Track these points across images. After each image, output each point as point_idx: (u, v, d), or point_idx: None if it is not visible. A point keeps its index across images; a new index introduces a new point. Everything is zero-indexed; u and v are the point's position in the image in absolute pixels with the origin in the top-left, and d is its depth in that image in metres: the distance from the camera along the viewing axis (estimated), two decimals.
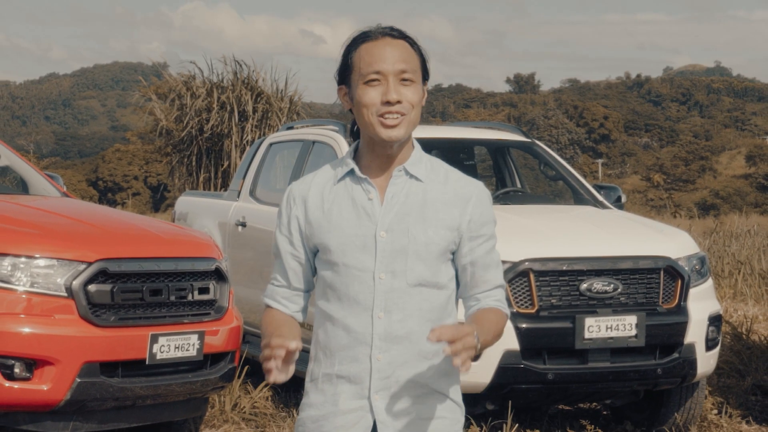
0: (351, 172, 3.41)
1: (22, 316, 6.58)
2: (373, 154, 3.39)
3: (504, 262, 7.49)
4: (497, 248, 3.49)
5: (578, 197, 9.58)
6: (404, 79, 3.32)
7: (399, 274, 3.34)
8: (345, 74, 3.38)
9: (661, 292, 7.96)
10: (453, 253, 3.41)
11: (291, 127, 10.84)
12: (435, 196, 3.38)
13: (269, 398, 8.97)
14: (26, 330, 6.54)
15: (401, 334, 3.33)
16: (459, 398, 3.46)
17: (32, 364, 6.56)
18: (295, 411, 8.42)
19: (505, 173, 10.40)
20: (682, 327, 7.96)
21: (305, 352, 3.50)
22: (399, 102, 3.30)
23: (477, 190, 3.43)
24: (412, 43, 3.38)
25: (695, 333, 8.00)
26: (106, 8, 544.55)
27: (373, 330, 3.32)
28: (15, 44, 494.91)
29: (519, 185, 10.29)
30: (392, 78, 3.31)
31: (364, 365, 3.32)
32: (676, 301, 8.01)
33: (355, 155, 3.44)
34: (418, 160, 3.42)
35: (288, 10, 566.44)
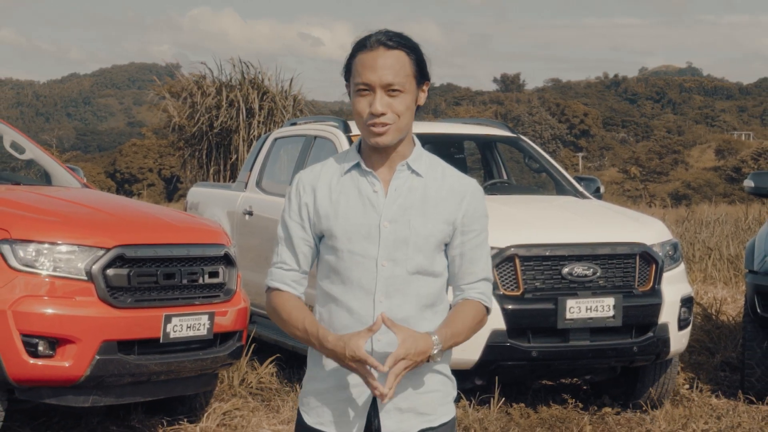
0: (357, 166, 3.40)
1: (46, 298, 6.57)
2: (375, 150, 3.38)
3: (491, 248, 7.46)
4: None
5: (560, 188, 9.57)
6: (392, 90, 3.29)
7: (400, 262, 3.33)
8: (347, 76, 3.38)
9: (636, 276, 7.96)
10: (446, 245, 3.41)
11: (294, 123, 10.82)
12: (434, 192, 3.38)
13: (274, 374, 8.97)
14: (49, 311, 6.54)
15: (400, 317, 3.31)
16: (450, 373, 3.46)
17: (55, 343, 6.55)
18: (298, 386, 8.42)
19: (492, 166, 10.40)
20: (656, 308, 7.96)
21: None
22: (383, 114, 3.28)
23: (471, 186, 3.42)
24: (409, 51, 3.33)
25: (668, 314, 8.01)
26: (117, 12, 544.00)
27: (374, 312, 3.31)
28: (36, 46, 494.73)
29: (505, 177, 10.29)
30: (379, 90, 3.28)
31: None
32: (651, 284, 8.01)
33: (359, 149, 3.43)
34: (419, 156, 3.41)
35: (287, 14, 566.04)
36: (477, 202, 3.41)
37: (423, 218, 3.34)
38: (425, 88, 3.39)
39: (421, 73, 3.36)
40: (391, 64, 3.29)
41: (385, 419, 3.35)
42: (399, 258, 3.33)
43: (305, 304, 3.45)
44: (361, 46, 3.33)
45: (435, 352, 3.26)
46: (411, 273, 3.34)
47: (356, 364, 3.22)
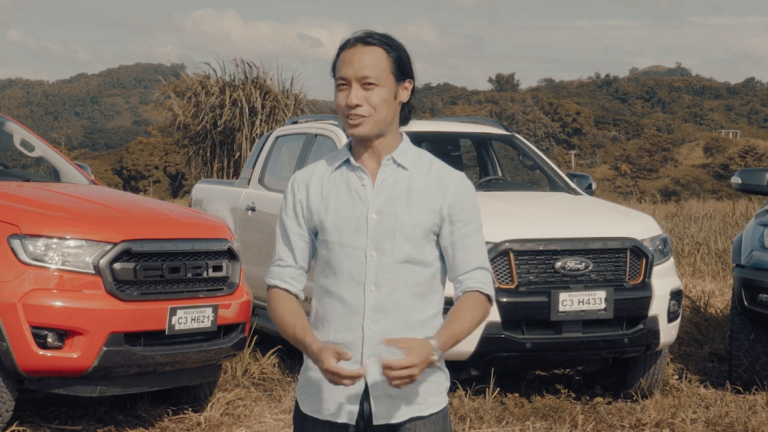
0: (347, 162, 3.43)
1: (55, 291, 6.57)
2: (363, 146, 3.41)
3: (486, 243, 7.46)
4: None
5: (553, 185, 9.57)
6: (367, 84, 3.33)
7: (388, 252, 3.34)
8: (334, 74, 3.42)
9: (627, 270, 7.96)
10: (437, 235, 3.41)
11: (295, 122, 10.82)
12: (419, 183, 3.39)
13: (276, 365, 8.97)
14: (58, 304, 6.54)
15: (390, 305, 3.33)
16: (443, 364, 3.46)
17: (63, 334, 6.56)
18: (299, 376, 8.42)
19: (487, 163, 10.39)
20: (646, 301, 7.96)
21: None
22: (358, 105, 3.32)
23: (458, 178, 3.43)
24: (388, 49, 3.36)
25: (658, 306, 8.01)
26: (122, 14, 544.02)
27: (365, 302, 3.33)
28: (44, 47, 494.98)
29: (500, 174, 10.28)
30: (355, 83, 3.33)
31: (356, 333, 3.33)
32: (641, 277, 8.01)
33: (350, 147, 3.46)
34: (405, 150, 3.43)
35: (287, 16, 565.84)
36: (463, 192, 3.42)
37: (408, 208, 3.36)
38: (407, 85, 3.41)
39: (401, 70, 3.38)
40: (367, 59, 3.33)
41: (376, 406, 3.35)
42: (387, 248, 3.34)
43: (305, 299, 3.46)
44: (344, 45, 3.40)
45: (435, 357, 3.26)
46: (399, 262, 3.35)
47: (331, 375, 3.23)
